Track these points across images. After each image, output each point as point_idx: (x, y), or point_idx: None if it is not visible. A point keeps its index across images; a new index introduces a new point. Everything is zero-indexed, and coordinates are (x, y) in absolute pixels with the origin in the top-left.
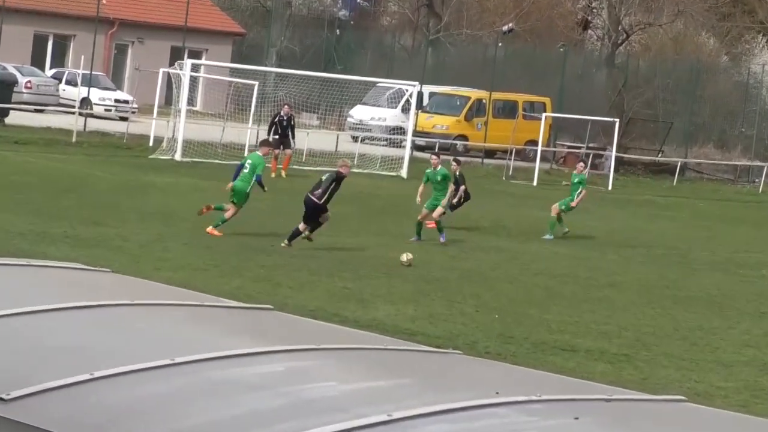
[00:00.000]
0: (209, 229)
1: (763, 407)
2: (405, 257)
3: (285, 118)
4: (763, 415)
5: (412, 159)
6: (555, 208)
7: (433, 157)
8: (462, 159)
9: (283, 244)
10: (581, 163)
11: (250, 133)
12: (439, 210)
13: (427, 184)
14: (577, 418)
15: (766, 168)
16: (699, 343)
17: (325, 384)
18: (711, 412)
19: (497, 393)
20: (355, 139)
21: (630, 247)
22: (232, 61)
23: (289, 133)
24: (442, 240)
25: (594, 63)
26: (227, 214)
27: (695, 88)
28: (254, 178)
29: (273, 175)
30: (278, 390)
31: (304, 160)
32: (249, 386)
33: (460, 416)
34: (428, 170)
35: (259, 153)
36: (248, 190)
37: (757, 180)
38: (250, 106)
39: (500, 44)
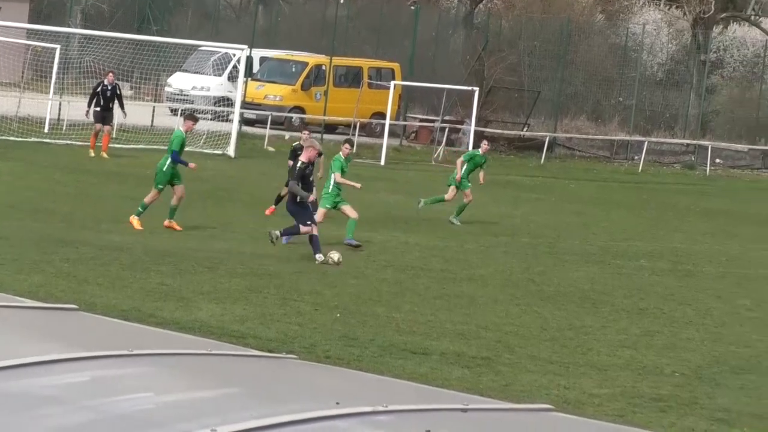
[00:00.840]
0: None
1: (642, 416)
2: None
3: (109, 87)
4: (640, 425)
5: (240, 135)
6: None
7: (347, 145)
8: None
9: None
10: (485, 141)
11: (51, 105)
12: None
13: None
14: (428, 431)
15: (646, 143)
16: (569, 345)
17: (138, 395)
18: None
19: (338, 403)
20: (174, 111)
21: (492, 236)
22: (30, 21)
23: (113, 105)
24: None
25: (450, 23)
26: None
27: (566, 51)
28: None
29: (92, 154)
30: (82, 403)
31: (114, 135)
32: (46, 399)
33: (295, 430)
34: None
35: (181, 129)
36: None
37: (636, 157)
38: (51, 73)
39: (341, 1)
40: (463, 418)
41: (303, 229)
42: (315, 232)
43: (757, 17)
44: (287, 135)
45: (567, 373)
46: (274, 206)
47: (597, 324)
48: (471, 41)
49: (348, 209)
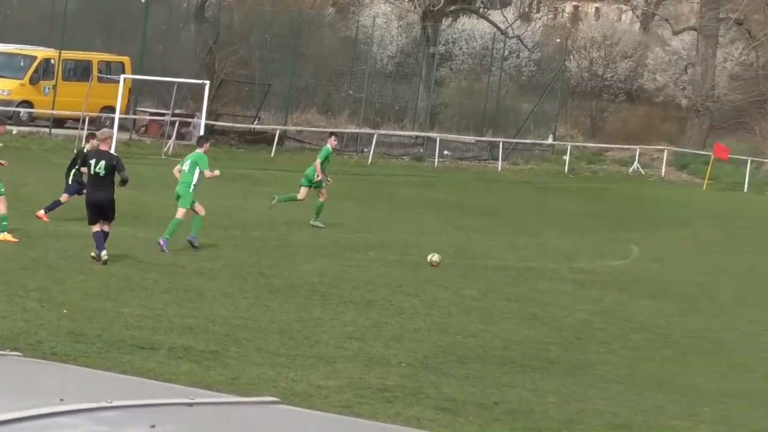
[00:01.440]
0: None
1: (369, 407)
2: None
3: None
4: (368, 416)
5: None
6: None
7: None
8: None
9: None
10: (333, 137)
11: None
12: None
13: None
14: (153, 426)
15: (376, 135)
16: (297, 337)
17: None
18: (307, 415)
19: (62, 400)
20: None
21: (221, 229)
22: None
23: None
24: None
25: (181, 17)
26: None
27: (296, 45)
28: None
29: None
30: None
31: None
32: None
33: (14, 429)
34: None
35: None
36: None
37: (366, 149)
38: None
39: None
40: (189, 412)
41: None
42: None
43: (486, 10)
44: (15, 130)
45: (294, 365)
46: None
47: (325, 316)
48: (202, 35)
49: (198, 207)
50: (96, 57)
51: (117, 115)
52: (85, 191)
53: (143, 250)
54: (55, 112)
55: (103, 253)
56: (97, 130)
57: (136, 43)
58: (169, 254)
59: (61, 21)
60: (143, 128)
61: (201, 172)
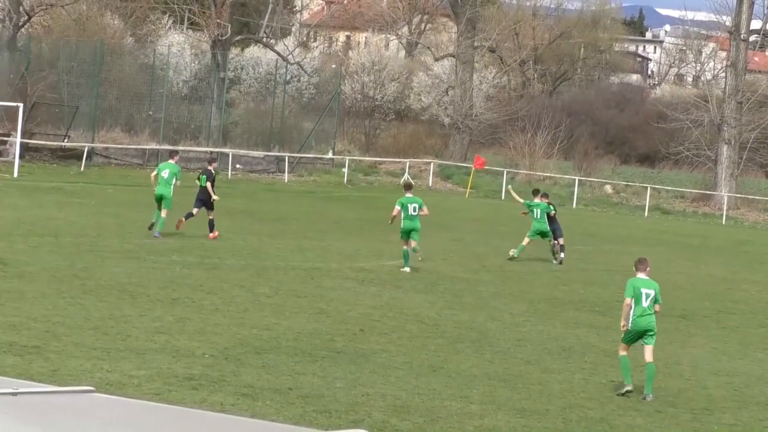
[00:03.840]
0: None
1: (177, 394)
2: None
3: None
4: (176, 402)
5: None
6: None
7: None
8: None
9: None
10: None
11: None
12: None
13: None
14: None
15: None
16: (110, 332)
17: None
18: (120, 402)
19: None
20: None
21: (38, 236)
22: None
23: None
24: None
25: None
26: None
27: (100, 70)
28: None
29: None
30: None
31: None
32: None
33: None
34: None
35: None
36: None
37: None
38: None
39: None
40: (12, 401)
41: None
42: None
43: (269, 39)
44: None
45: (109, 357)
46: None
47: (135, 313)
48: (15, 62)
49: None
50: None
51: None
52: None
53: None
54: None
55: None
56: None
57: None
58: None
59: None
60: None
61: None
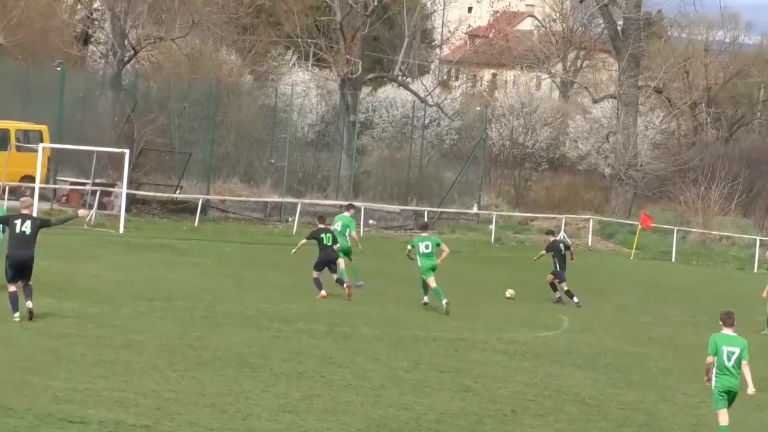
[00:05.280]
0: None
1: None
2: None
3: None
4: None
5: None
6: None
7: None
8: None
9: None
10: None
11: None
12: None
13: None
14: None
15: (300, 205)
16: (229, 411)
17: None
18: None
19: None
20: None
21: (147, 300)
22: None
23: None
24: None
25: (98, 85)
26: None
27: (215, 113)
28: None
29: None
30: None
31: None
32: None
33: None
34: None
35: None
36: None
37: (291, 218)
38: None
39: None
40: None
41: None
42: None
43: (405, 78)
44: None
45: None
46: None
47: (256, 389)
48: (120, 103)
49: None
50: (13, 125)
51: (37, 185)
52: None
53: (69, 321)
54: None
55: (29, 302)
56: (17, 199)
57: (53, 111)
58: (95, 327)
59: None
60: (64, 198)
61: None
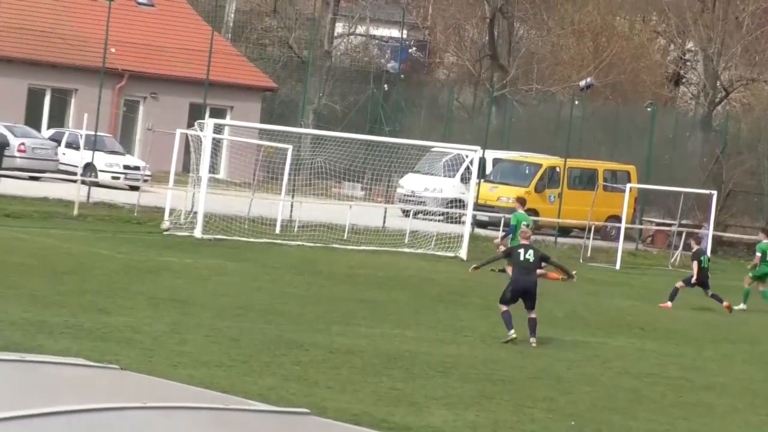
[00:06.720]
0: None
1: None
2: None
3: None
4: None
5: (472, 237)
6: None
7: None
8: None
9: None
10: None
11: (282, 206)
12: None
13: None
14: None
15: None
16: None
17: None
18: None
19: None
20: (406, 213)
21: (730, 343)
22: (262, 121)
23: None
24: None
25: (687, 125)
26: None
27: None
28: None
29: None
30: None
31: (345, 237)
32: None
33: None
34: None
35: (520, 211)
36: None
37: None
38: (282, 173)
39: (577, 102)
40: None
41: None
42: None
43: None
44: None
45: None
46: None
47: None
48: (709, 143)
49: None
50: (601, 165)
51: (623, 225)
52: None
53: (646, 362)
54: (560, 220)
55: (533, 339)
56: (603, 239)
57: (641, 151)
58: (677, 368)
59: (566, 129)
60: (649, 238)
61: None
